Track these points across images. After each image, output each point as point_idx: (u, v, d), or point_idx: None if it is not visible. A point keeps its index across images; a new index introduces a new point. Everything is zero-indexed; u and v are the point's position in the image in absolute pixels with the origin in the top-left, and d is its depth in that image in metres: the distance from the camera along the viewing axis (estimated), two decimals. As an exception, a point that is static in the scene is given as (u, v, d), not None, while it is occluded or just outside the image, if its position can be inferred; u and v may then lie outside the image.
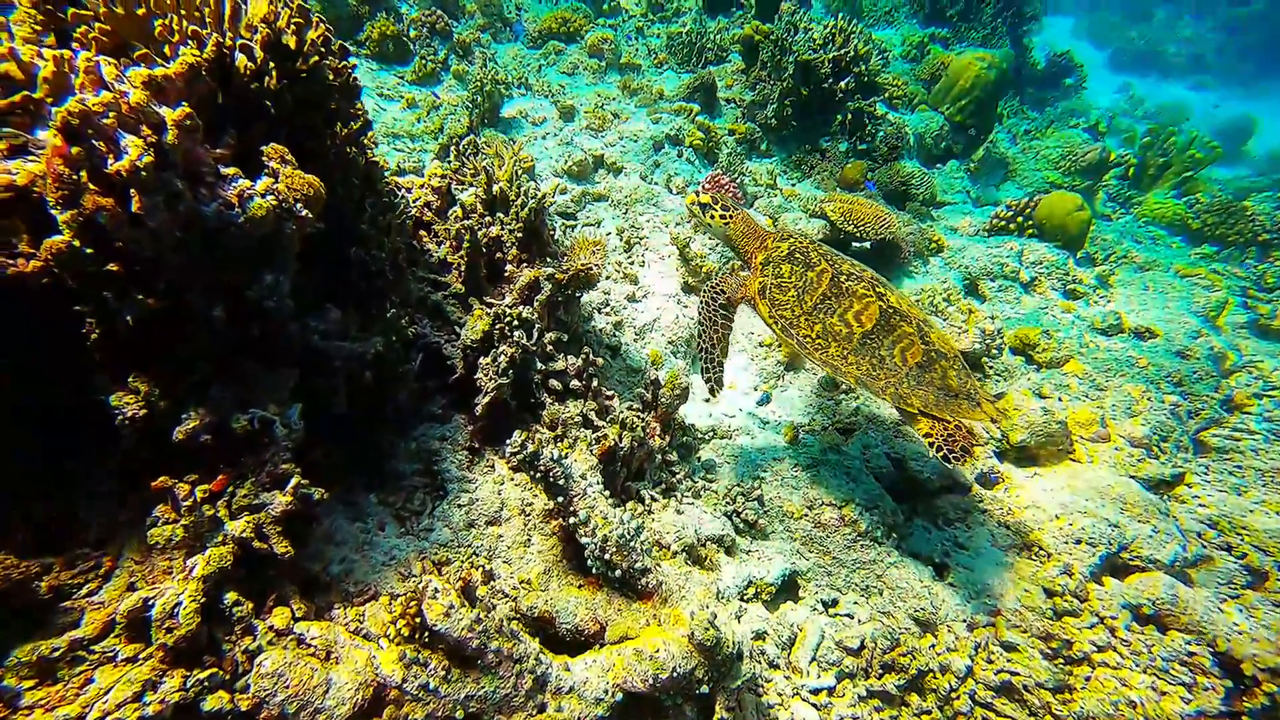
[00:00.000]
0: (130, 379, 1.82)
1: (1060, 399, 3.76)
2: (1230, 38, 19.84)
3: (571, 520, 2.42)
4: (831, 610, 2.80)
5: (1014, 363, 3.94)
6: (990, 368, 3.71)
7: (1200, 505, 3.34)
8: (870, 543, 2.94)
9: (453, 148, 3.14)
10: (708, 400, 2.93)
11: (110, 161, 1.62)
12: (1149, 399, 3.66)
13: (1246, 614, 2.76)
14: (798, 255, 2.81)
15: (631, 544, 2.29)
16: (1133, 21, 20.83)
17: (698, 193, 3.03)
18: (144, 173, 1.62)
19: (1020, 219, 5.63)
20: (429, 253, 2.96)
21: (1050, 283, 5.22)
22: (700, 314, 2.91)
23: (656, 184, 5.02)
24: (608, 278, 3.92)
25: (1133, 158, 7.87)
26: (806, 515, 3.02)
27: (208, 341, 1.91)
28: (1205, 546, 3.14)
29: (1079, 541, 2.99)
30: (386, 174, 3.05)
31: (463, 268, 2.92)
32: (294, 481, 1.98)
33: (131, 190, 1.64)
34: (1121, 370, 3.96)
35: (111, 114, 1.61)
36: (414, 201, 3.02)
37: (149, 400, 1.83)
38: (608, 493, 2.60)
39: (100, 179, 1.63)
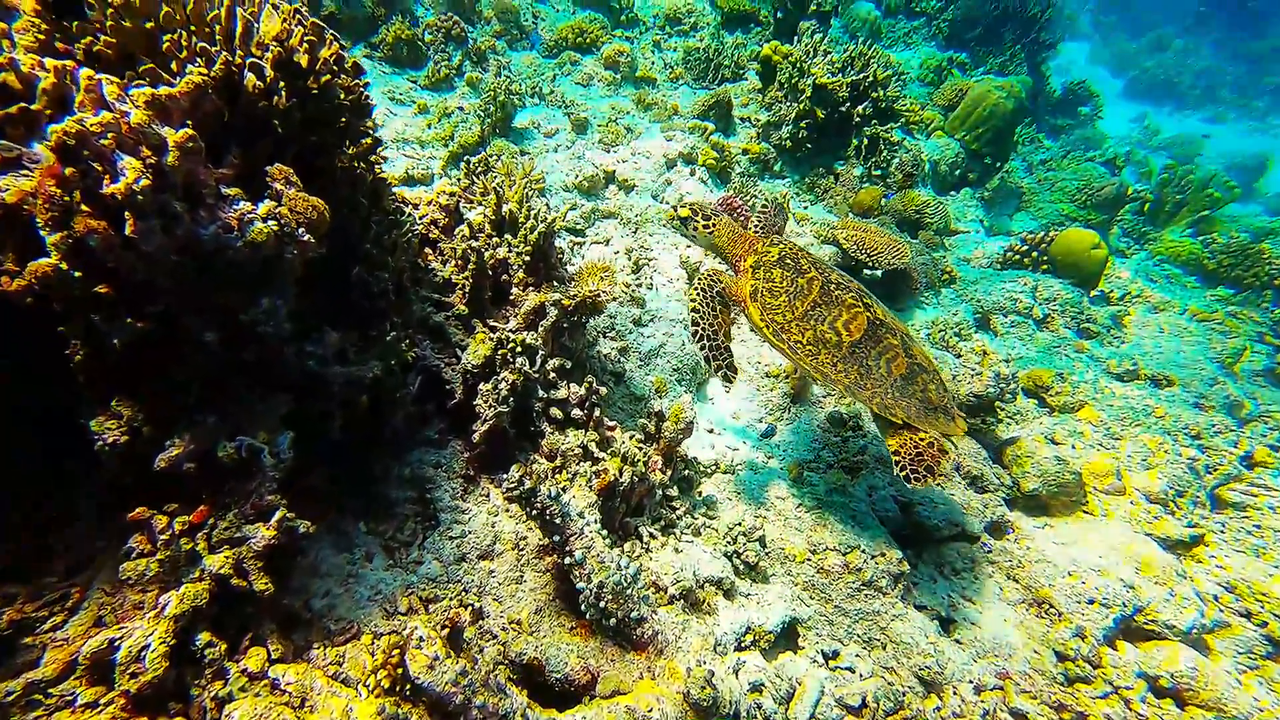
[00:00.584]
0: (114, 403, 1.75)
1: (1074, 446, 3.66)
2: (1247, 72, 19.78)
3: (567, 560, 2.33)
4: (832, 663, 2.69)
5: (1026, 406, 3.85)
6: (1002, 410, 3.62)
7: (1218, 566, 3.23)
8: (874, 592, 2.84)
9: (463, 164, 3.07)
10: (726, 389, 2.85)
11: (106, 183, 1.56)
12: (1166, 451, 3.55)
13: (1268, 688, 2.64)
14: (788, 261, 2.79)
15: (628, 591, 2.19)
16: (1150, 50, 20.77)
17: (676, 207, 2.98)
18: (140, 196, 1.56)
19: (1035, 253, 5.55)
20: (433, 272, 2.90)
21: (1064, 320, 5.13)
22: (695, 301, 2.80)
23: (668, 203, 4.96)
24: (614, 299, 3.84)
25: (1149, 193, 7.79)
26: (809, 560, 2.92)
27: (198, 366, 1.84)
28: (1223, 611, 3.03)
29: (1092, 601, 2.87)
30: (395, 189, 2.99)
31: (467, 289, 2.85)
32: (279, 515, 1.90)
33: (126, 213, 1.57)
34: (1138, 420, 3.85)
35: (110, 135, 1.55)
36: (421, 219, 2.96)
37: (132, 425, 1.75)
38: (605, 531, 2.51)
39: (94, 200, 1.57)
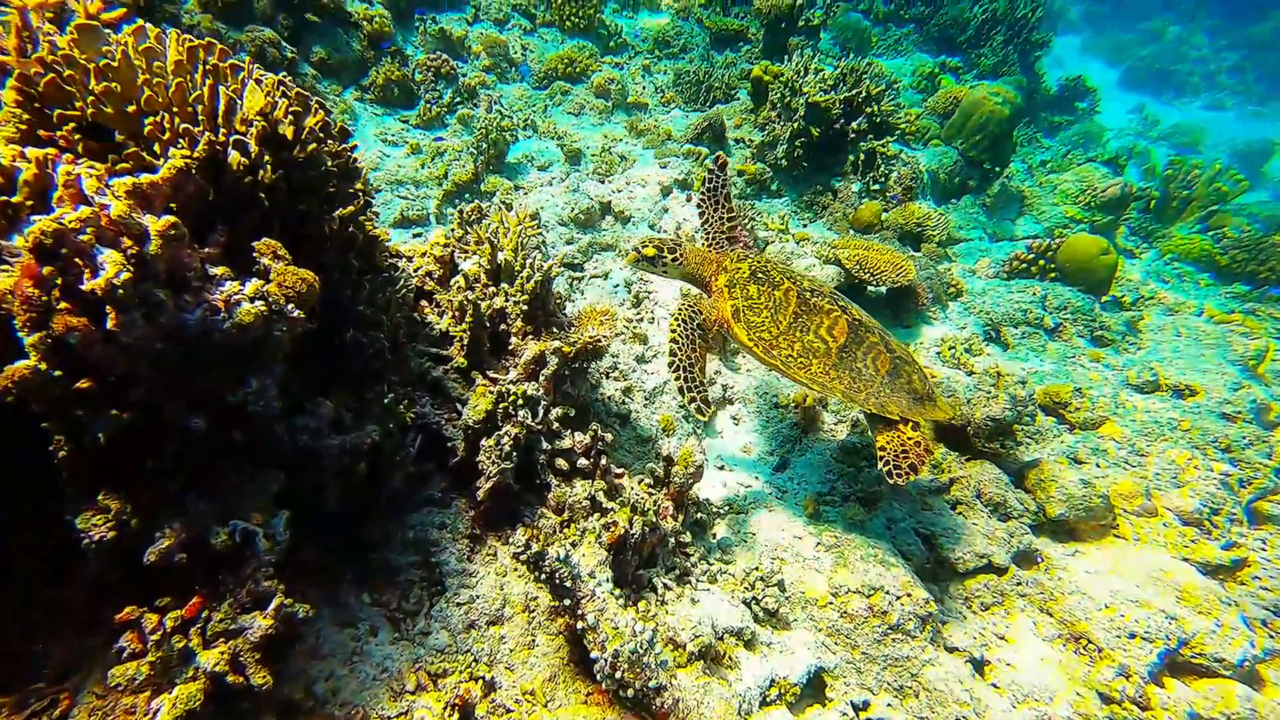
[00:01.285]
0: (100, 496, 1.69)
1: (1098, 465, 3.52)
2: (1246, 56, 19.57)
3: (580, 625, 2.23)
4: (863, 715, 2.56)
5: (1045, 424, 3.72)
6: (1021, 431, 3.50)
7: (1263, 588, 3.07)
8: (902, 636, 2.70)
9: (456, 213, 3.04)
10: (698, 420, 2.82)
11: (86, 278, 1.52)
12: (1196, 467, 3.41)
13: (1331, 728, 2.48)
14: (760, 275, 2.81)
15: (644, 659, 2.09)
16: (1144, 39, 20.63)
17: (638, 249, 2.94)
18: (121, 290, 1.51)
19: (1042, 261, 5.44)
20: (430, 325, 2.84)
21: (1076, 329, 5.00)
22: (675, 332, 2.78)
23: (665, 232, 4.92)
24: (617, 335, 3.78)
25: (1154, 190, 7.68)
26: (831, 603, 2.80)
27: (185, 451, 1.78)
28: (1274, 637, 2.87)
29: (1134, 636, 2.72)
30: (389, 242, 2.96)
31: (465, 341, 2.79)
32: (276, 601, 1.83)
33: (107, 307, 1.53)
34: (1163, 434, 3.71)
35: (89, 230, 1.51)
36: (415, 271, 2.92)
37: (120, 519, 1.69)
38: (617, 590, 2.41)
39: (74, 296, 1.53)
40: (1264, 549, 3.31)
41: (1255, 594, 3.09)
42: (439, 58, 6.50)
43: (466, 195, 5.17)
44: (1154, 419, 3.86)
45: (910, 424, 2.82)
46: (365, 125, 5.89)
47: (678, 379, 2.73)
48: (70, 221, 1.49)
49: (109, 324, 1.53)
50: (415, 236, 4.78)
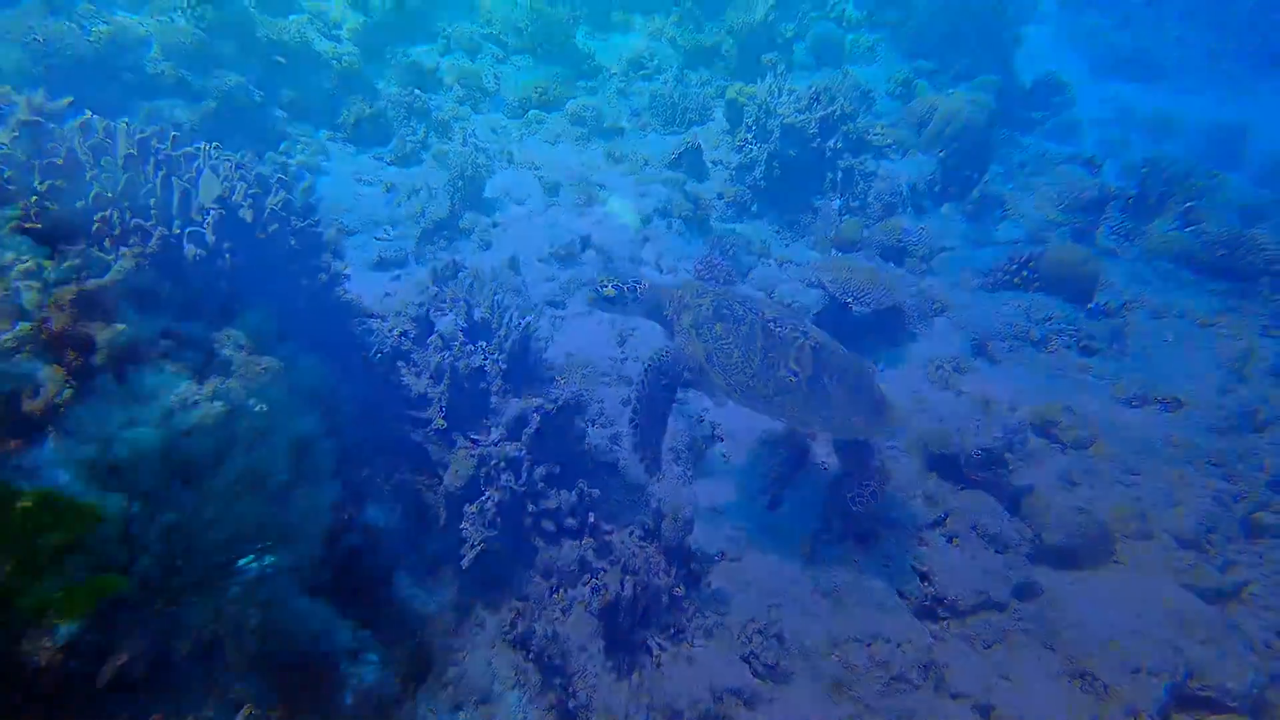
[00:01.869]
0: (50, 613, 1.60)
1: (1092, 487, 3.49)
2: (1220, 38, 19.67)
3: (571, 704, 2.16)
4: (868, 772, 2.48)
5: (1038, 445, 3.70)
6: (1010, 456, 3.46)
7: (1264, 607, 3.04)
8: (905, 686, 2.64)
9: (430, 271, 2.98)
10: (647, 481, 2.86)
11: (24, 400, 1.44)
12: (1189, 484, 3.39)
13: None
14: (724, 310, 2.83)
15: (638, 741, 2.01)
16: (1116, 25, 20.68)
17: (598, 290, 2.94)
18: (63, 409, 1.44)
19: (1025, 272, 5.46)
20: (407, 387, 2.78)
21: (1063, 340, 5.00)
22: (642, 391, 2.75)
23: (646, 264, 4.88)
24: (603, 375, 3.71)
25: (1131, 190, 7.75)
26: (832, 654, 2.74)
27: (144, 563, 1.70)
28: (1278, 659, 2.83)
29: (1138, 670, 2.68)
30: (361, 304, 2.89)
31: (444, 402, 2.72)
32: (244, 712, 1.74)
33: (49, 427, 1.46)
34: (1155, 451, 3.70)
35: (27, 348, 1.44)
36: (390, 331, 2.85)
37: (70, 639, 1.60)
38: (610, 661, 2.34)
39: (12, 417, 1.45)
40: (1260, 564, 3.29)
41: (1256, 614, 3.06)
42: (409, 92, 6.46)
43: (444, 233, 5.11)
44: (1145, 435, 3.85)
45: (873, 449, 2.96)
46: (339, 164, 5.82)
47: (635, 434, 2.72)
48: (6, 341, 1.42)
49: (50, 445, 1.46)
50: (394, 279, 4.70)
